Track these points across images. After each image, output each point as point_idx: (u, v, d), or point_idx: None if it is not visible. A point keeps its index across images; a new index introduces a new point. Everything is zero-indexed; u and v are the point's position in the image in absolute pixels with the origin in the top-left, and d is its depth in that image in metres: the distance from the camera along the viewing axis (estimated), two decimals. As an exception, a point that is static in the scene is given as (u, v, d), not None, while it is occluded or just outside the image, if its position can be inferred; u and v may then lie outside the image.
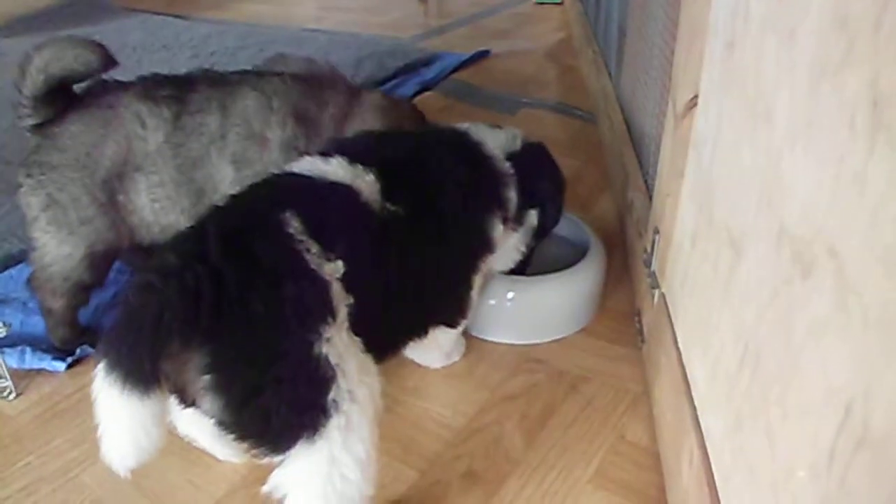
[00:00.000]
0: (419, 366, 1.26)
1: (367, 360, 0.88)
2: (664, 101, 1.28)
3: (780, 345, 0.63)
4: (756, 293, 0.71)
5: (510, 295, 1.28)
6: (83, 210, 1.18)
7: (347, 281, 0.85)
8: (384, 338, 0.96)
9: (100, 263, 1.23)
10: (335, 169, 0.94)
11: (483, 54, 2.89)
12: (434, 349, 1.21)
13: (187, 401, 0.82)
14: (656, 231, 1.18)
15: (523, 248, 1.25)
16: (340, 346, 0.82)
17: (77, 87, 1.20)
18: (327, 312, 0.81)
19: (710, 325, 0.86)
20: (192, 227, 0.85)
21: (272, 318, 0.77)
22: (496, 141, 1.17)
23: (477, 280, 1.14)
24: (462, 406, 1.18)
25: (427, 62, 2.72)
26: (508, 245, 1.21)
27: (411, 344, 1.09)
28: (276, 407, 0.79)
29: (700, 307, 0.91)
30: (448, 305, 1.13)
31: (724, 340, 0.80)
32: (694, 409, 0.90)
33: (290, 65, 1.46)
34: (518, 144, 1.19)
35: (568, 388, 1.20)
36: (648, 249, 1.23)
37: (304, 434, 0.80)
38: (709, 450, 0.83)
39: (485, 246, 1.11)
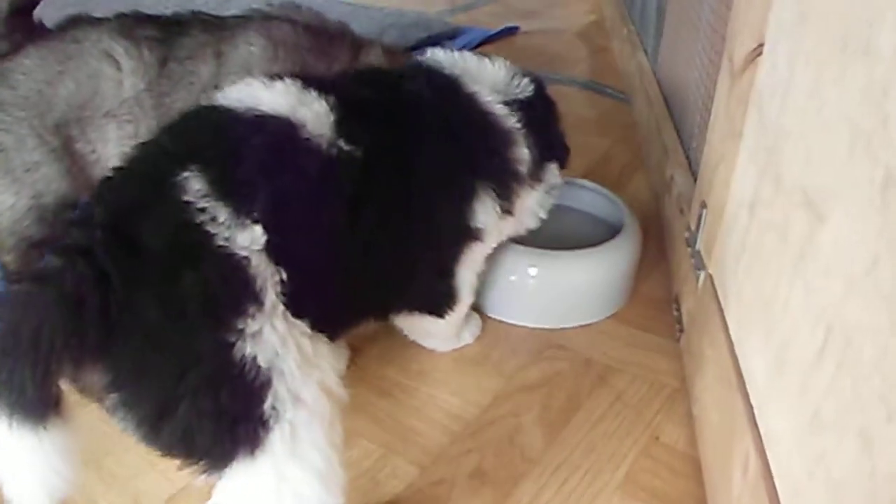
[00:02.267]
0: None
1: (317, 344, 0.73)
2: (713, 65, 1.17)
3: (882, 325, 0.49)
4: (845, 263, 0.57)
5: (533, 271, 1.14)
6: (28, 155, 1.04)
7: (275, 249, 0.69)
8: (336, 315, 0.82)
9: (50, 217, 1.08)
10: (274, 96, 0.75)
11: (511, 30, 2.74)
12: (429, 334, 1.08)
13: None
14: (703, 205, 1.03)
15: (544, 210, 1.09)
16: (274, 339, 0.67)
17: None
18: (246, 300, 0.66)
19: (776, 306, 0.71)
20: (87, 203, 0.70)
21: (171, 320, 0.63)
22: (495, 84, 0.97)
23: (466, 270, 0.99)
24: (473, 395, 1.04)
25: (452, 35, 2.58)
26: (526, 208, 1.05)
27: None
28: (197, 423, 0.65)
29: (762, 286, 0.76)
30: (425, 293, 0.97)
31: (798, 323, 0.65)
32: (750, 406, 0.76)
33: (302, 15, 1.31)
34: (526, 87, 1.01)
35: (595, 380, 1.05)
36: (693, 227, 1.08)
37: (240, 451, 0.67)
38: (770, 457, 0.69)
39: (467, 234, 0.94)
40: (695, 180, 1.21)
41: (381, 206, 0.81)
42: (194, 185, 0.66)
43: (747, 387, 0.78)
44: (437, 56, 0.99)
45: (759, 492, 0.69)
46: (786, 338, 0.68)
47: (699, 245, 1.05)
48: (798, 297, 0.66)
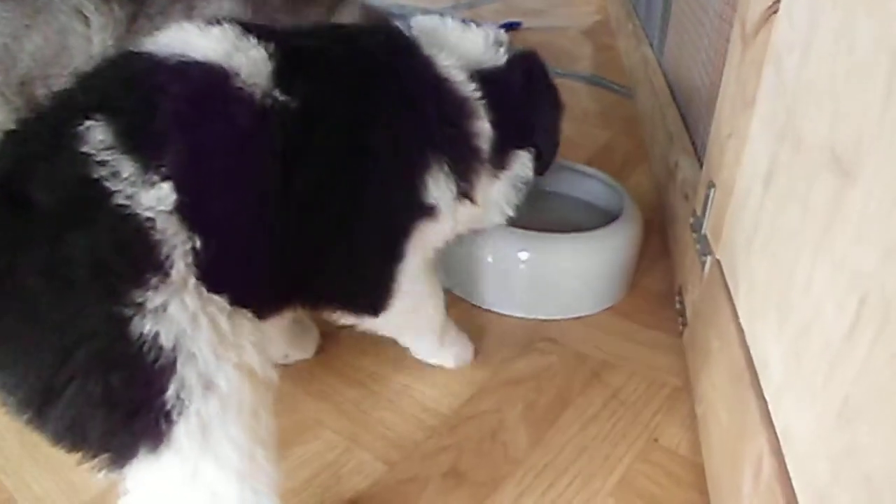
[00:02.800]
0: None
1: (238, 321, 0.62)
2: (719, 55, 1.12)
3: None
4: (881, 224, 0.48)
5: (523, 256, 1.04)
6: None
7: (189, 212, 0.59)
8: (262, 293, 0.69)
9: None
10: (207, 41, 0.65)
11: (513, 25, 2.66)
12: (391, 330, 0.93)
13: None
14: (711, 185, 0.94)
15: (512, 205, 0.95)
16: (181, 316, 0.57)
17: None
18: (147, 268, 0.56)
19: (796, 285, 0.62)
20: None
21: (56, 288, 0.53)
22: (464, 51, 0.85)
23: (413, 255, 0.82)
24: (453, 386, 0.94)
25: (451, 28, 2.48)
26: (490, 199, 0.91)
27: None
28: (88, 411, 0.55)
29: (779, 265, 0.67)
30: (359, 280, 0.81)
31: (822, 302, 0.56)
32: (764, 402, 0.66)
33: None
34: (499, 58, 0.88)
35: (589, 376, 0.96)
36: (699, 211, 0.98)
37: (140, 445, 0.57)
38: (787, 457, 0.60)
39: (417, 209, 0.79)
40: (700, 165, 1.14)
41: (321, 166, 0.70)
42: (96, 135, 0.56)
43: (760, 380, 0.69)
44: (417, 19, 0.89)
45: (773, 497, 0.59)
46: (808, 320, 0.59)
47: (706, 229, 0.95)
48: (824, 272, 0.57)
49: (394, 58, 0.79)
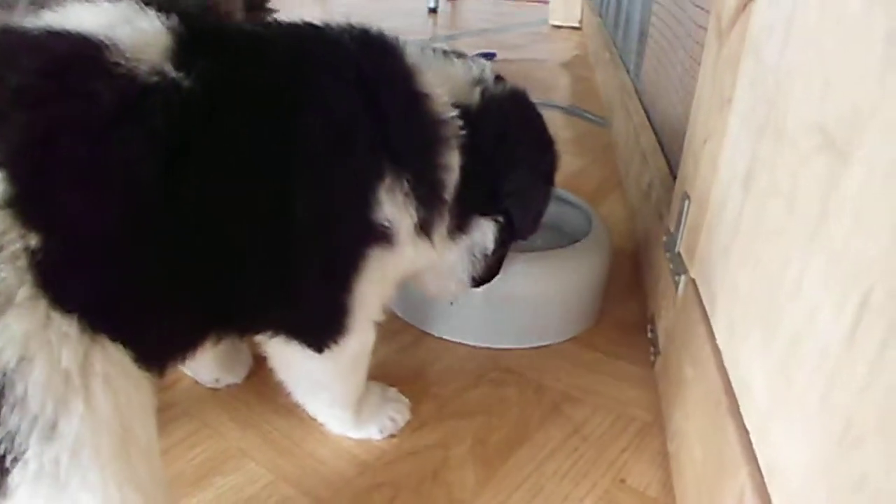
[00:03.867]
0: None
1: (93, 352, 0.50)
2: (693, 77, 1.05)
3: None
4: (887, 204, 0.39)
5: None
6: None
7: (27, 205, 0.47)
8: (143, 317, 0.54)
9: None
10: (92, 14, 0.55)
11: (488, 56, 2.59)
12: (313, 388, 0.78)
13: None
14: (685, 198, 0.84)
15: (467, 274, 0.81)
16: (10, 342, 0.46)
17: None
18: None
19: (784, 290, 0.54)
20: None
21: None
22: (444, 78, 0.72)
23: (368, 285, 0.68)
24: (394, 420, 0.82)
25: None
26: (443, 265, 0.79)
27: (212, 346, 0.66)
28: None
29: (762, 271, 0.58)
30: (302, 306, 0.67)
31: (816, 303, 0.47)
32: (745, 432, 0.56)
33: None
34: (473, 96, 0.74)
35: (548, 409, 0.85)
36: (672, 228, 0.89)
37: None
38: (774, 496, 0.50)
39: (366, 229, 0.66)
40: (674, 180, 1.04)
41: (228, 160, 0.57)
42: None
43: (741, 407, 0.59)
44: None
45: None
46: (798, 329, 0.49)
47: (679, 247, 0.86)
48: (817, 270, 0.48)
49: (364, 52, 0.66)
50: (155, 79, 0.52)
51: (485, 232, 0.78)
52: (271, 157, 0.58)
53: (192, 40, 0.56)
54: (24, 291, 0.46)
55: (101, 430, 0.49)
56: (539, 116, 0.84)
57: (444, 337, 0.99)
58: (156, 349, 0.56)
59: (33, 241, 0.46)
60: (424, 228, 0.70)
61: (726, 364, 0.64)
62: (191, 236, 0.55)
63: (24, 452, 0.45)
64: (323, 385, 0.76)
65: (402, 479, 0.74)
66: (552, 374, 0.92)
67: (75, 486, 0.48)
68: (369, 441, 0.79)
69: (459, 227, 0.75)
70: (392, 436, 0.80)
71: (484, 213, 0.77)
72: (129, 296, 0.52)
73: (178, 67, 0.53)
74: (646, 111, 1.49)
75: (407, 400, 0.84)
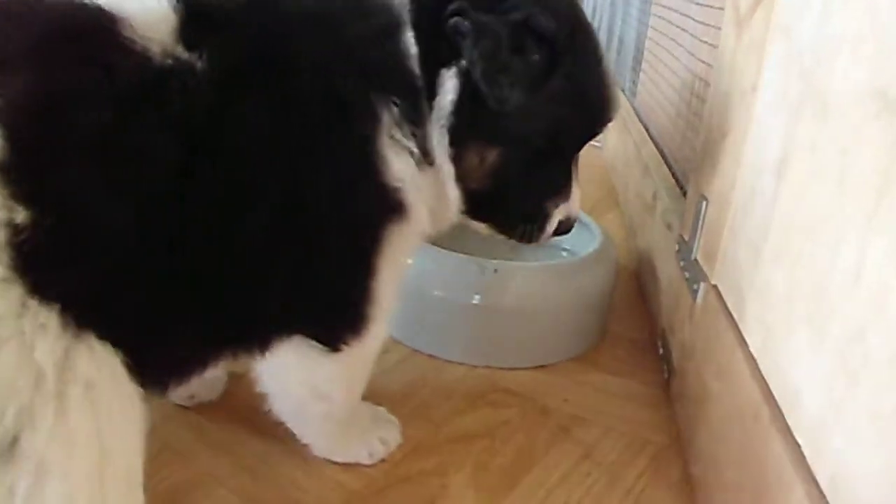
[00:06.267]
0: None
1: (76, 351, 0.43)
2: (693, 92, 1.05)
3: None
4: None
5: (476, 296, 0.85)
6: None
7: (18, 171, 0.42)
8: (133, 314, 0.49)
9: None
10: None
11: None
12: (307, 396, 0.68)
13: None
14: (702, 200, 0.77)
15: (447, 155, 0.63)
16: None
17: None
18: None
19: (838, 278, 0.47)
20: None
21: None
22: None
23: (388, 269, 0.62)
24: (385, 443, 0.74)
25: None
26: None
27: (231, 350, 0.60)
28: None
29: (807, 264, 0.52)
30: (321, 299, 0.61)
31: (882, 288, 0.40)
32: (797, 445, 0.47)
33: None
34: None
35: (555, 432, 0.78)
36: (686, 236, 0.82)
37: None
38: None
39: (384, 202, 0.60)
40: (681, 190, 0.98)
41: (243, 149, 0.52)
42: None
43: (787, 418, 0.51)
44: None
45: None
46: (861, 322, 0.42)
47: (696, 253, 0.78)
48: (881, 250, 0.40)
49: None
50: (169, 61, 0.49)
51: (448, 84, 0.60)
52: (282, 138, 0.54)
53: (194, 18, 0.52)
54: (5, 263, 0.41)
55: (74, 451, 0.41)
56: None
57: (436, 355, 0.90)
58: (158, 358, 0.51)
59: (20, 215, 0.41)
60: (423, 151, 0.61)
61: (763, 372, 0.57)
62: (204, 231, 0.51)
63: None
64: (322, 394, 0.67)
65: (396, 508, 0.66)
66: (557, 394, 0.84)
67: None
68: (357, 467, 0.71)
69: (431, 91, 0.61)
70: (382, 461, 0.72)
71: (445, 59, 0.60)
72: (129, 291, 0.48)
73: (188, 48, 0.50)
74: (645, 127, 1.45)
75: (397, 421, 0.76)
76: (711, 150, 0.78)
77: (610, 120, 0.70)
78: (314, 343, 0.62)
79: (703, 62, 0.99)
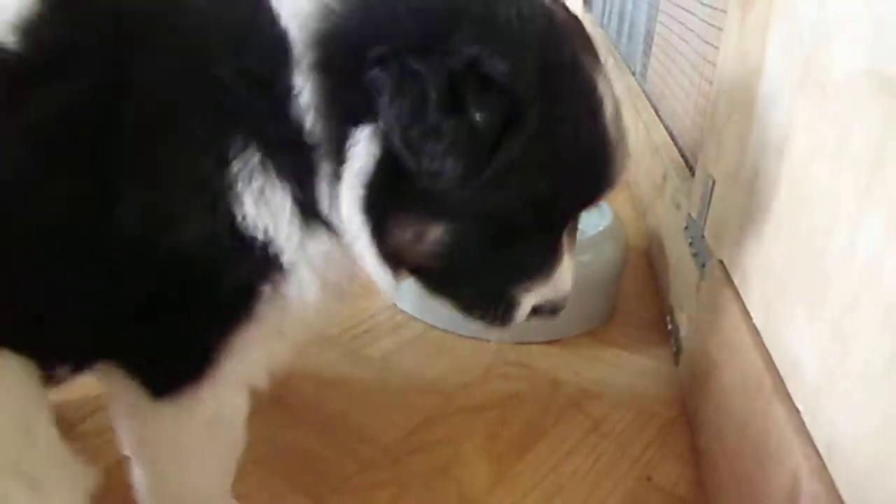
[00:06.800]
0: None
1: None
2: (703, 77, 1.05)
3: None
4: None
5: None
6: None
7: None
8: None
9: None
10: None
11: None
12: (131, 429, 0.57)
13: None
14: (710, 179, 0.79)
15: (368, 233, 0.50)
16: None
17: None
18: None
19: (835, 251, 0.50)
20: None
21: None
22: None
23: (248, 325, 0.50)
24: (397, 415, 0.77)
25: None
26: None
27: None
28: None
29: (806, 237, 0.54)
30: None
31: (880, 257, 0.42)
32: (796, 412, 0.49)
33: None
34: None
35: (566, 405, 0.80)
36: (695, 214, 0.84)
37: None
38: (837, 476, 0.43)
39: (238, 255, 0.48)
40: (690, 170, 1.00)
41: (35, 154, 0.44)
42: None
43: (788, 385, 0.53)
44: None
45: None
46: (855, 292, 0.45)
47: (704, 230, 0.80)
48: (874, 223, 0.43)
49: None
50: None
51: (364, 147, 0.47)
52: (92, 149, 0.45)
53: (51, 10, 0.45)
54: None
55: None
56: None
57: (449, 329, 0.93)
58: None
59: None
60: (311, 208, 0.49)
61: (766, 343, 0.59)
62: (17, 242, 0.45)
63: None
64: (146, 459, 0.57)
65: (408, 476, 0.68)
66: (568, 369, 0.86)
67: None
68: (372, 437, 0.73)
69: (338, 151, 0.47)
70: (395, 431, 0.74)
71: (354, 119, 0.47)
72: None
73: (24, 40, 0.43)
74: (655, 109, 1.46)
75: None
76: (718, 131, 0.80)
77: (612, 186, 0.53)
78: (135, 381, 0.51)
79: (712, 45, 1.00)
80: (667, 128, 1.29)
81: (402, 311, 0.97)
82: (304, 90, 0.46)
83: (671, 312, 0.92)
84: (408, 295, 0.96)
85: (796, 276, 0.54)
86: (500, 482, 0.68)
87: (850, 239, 0.46)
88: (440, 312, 0.93)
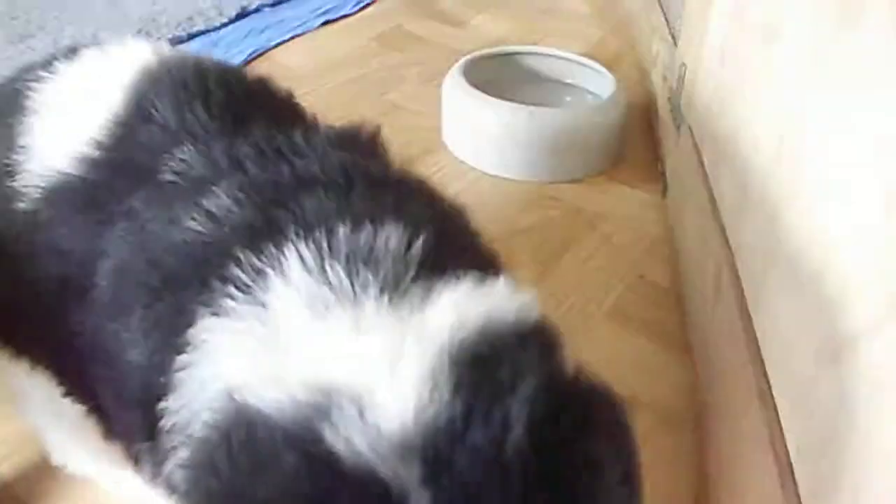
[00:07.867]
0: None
1: None
2: None
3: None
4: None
5: (522, 124, 1.22)
6: None
7: None
8: None
9: None
10: None
11: None
12: None
13: None
14: (683, 66, 1.11)
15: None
16: None
17: None
18: None
19: (741, 131, 0.80)
20: None
21: None
22: None
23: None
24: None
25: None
26: None
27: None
28: None
29: (731, 116, 0.85)
30: None
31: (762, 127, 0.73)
32: (721, 227, 0.84)
33: None
34: None
35: (585, 225, 1.15)
36: (675, 88, 1.16)
37: None
38: (740, 269, 0.76)
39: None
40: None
41: None
42: None
43: (719, 208, 0.87)
44: None
45: (729, 300, 0.76)
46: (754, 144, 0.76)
47: (681, 101, 1.13)
48: (766, 106, 0.73)
49: None
50: None
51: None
52: None
53: None
54: None
55: None
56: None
57: (498, 174, 1.26)
58: None
59: None
60: None
61: (710, 182, 0.93)
62: None
63: None
64: None
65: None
66: (587, 200, 1.21)
67: None
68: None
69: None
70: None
71: None
72: None
73: None
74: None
75: None
76: (688, 32, 1.10)
77: None
78: None
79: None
80: (663, 11, 1.56)
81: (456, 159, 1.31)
82: None
83: (662, 160, 1.26)
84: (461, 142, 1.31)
85: (726, 144, 0.87)
86: (543, 279, 1.04)
87: (749, 119, 0.79)
88: (489, 157, 1.28)
